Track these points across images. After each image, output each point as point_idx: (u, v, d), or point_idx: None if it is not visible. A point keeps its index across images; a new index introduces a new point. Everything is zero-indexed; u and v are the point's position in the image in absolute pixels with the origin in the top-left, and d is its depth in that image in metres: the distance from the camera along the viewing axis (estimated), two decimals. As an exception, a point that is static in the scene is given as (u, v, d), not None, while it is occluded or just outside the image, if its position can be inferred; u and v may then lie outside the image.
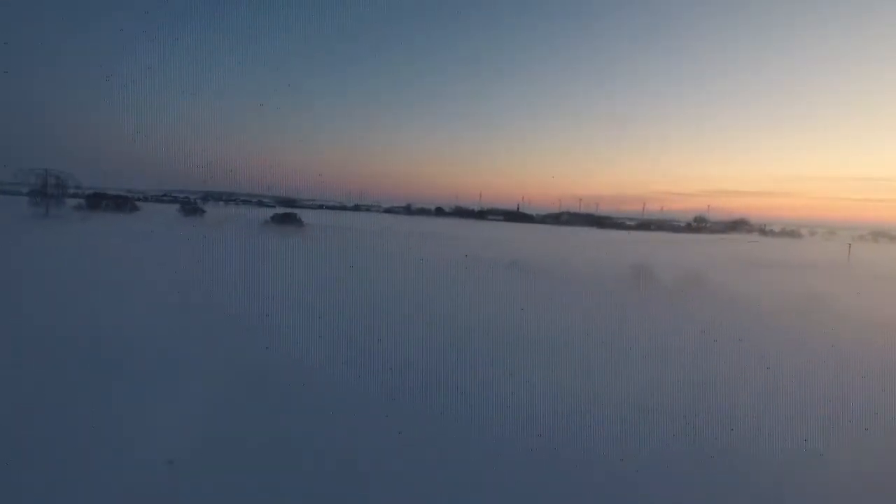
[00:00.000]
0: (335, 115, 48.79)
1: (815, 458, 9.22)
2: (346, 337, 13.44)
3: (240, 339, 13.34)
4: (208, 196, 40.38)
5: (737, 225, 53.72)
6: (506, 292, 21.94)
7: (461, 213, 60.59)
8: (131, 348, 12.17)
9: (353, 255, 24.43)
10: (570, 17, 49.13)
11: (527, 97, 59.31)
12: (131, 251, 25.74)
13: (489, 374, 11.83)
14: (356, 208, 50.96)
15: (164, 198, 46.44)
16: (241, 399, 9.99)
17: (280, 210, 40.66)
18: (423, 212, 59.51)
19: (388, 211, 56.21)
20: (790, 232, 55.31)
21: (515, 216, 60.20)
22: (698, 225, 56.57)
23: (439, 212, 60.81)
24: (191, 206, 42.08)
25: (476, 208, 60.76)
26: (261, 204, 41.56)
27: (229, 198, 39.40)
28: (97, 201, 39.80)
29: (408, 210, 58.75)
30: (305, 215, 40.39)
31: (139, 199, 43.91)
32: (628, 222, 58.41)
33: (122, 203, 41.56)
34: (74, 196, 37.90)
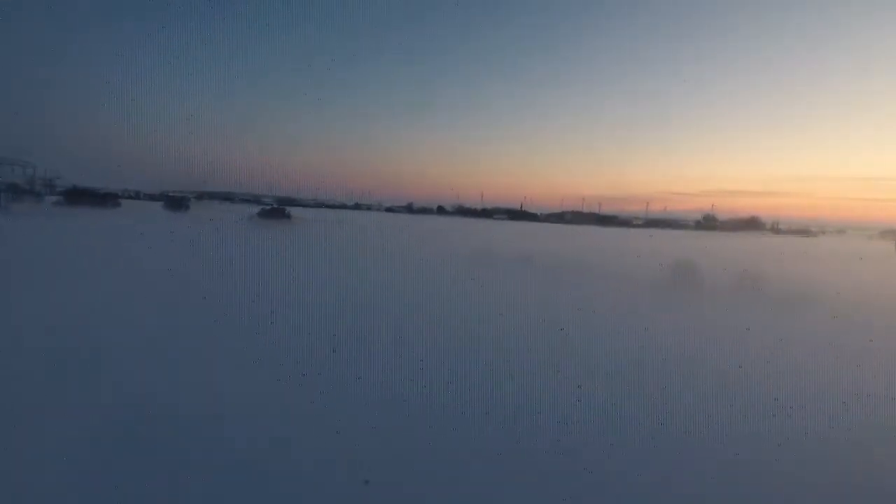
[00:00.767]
0: (335, 115, 46.97)
1: None
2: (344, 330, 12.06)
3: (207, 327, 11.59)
4: (205, 196, 37.72)
5: (749, 223, 52.56)
6: (566, 292, 19.65)
7: (463, 211, 58.96)
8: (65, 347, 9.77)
9: (339, 245, 23.71)
10: (573, 16, 48.10)
11: (529, 97, 57.76)
12: (98, 245, 23.74)
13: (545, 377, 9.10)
14: (356, 207, 49.95)
15: (157, 197, 43.60)
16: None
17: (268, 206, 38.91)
18: (424, 210, 58.18)
19: (389, 210, 55.04)
20: (801, 230, 54.38)
21: (519, 214, 58.84)
22: (708, 223, 55.30)
23: (441, 210, 59.34)
24: (175, 202, 39.24)
25: (478, 207, 59.20)
26: (259, 203, 39.68)
27: (227, 198, 37.49)
28: (77, 197, 36.44)
29: (409, 209, 57.47)
30: (303, 213, 38.62)
31: (130, 198, 40.87)
32: (635, 221, 57.54)
33: (104, 199, 38.35)
34: (52, 191, 34.78)
